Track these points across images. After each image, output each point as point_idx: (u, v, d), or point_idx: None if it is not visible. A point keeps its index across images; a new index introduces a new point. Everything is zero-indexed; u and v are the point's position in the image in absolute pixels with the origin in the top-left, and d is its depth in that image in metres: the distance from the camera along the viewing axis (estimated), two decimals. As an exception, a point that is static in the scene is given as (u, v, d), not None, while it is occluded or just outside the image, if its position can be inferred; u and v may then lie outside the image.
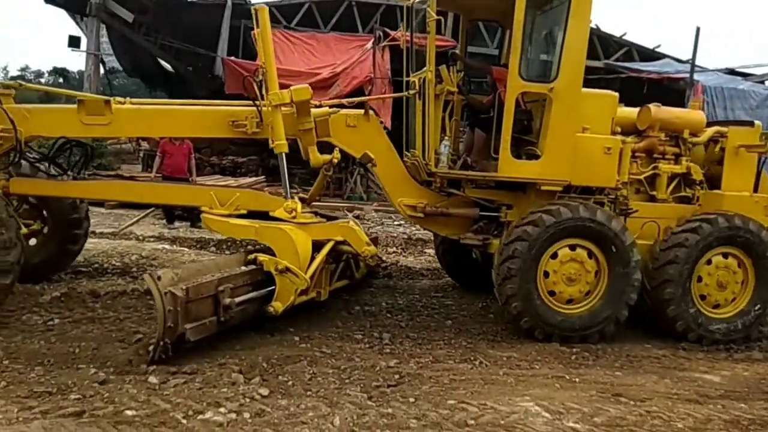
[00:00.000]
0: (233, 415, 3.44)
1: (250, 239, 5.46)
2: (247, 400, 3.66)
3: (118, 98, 5.90)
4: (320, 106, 5.86)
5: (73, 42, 17.01)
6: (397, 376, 4.25)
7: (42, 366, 4.00)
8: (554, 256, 5.34)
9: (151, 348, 4.17)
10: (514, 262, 5.23)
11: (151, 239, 9.03)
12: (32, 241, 6.31)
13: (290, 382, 4.00)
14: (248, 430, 3.31)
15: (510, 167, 5.52)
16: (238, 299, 4.58)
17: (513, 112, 5.42)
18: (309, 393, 3.86)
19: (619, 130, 5.93)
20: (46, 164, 6.00)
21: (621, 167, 5.80)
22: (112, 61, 19.18)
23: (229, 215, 5.46)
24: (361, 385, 4.06)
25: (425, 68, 5.66)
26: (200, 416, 3.40)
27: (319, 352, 4.61)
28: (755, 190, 6.15)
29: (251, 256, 4.97)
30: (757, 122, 6.22)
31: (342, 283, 6.10)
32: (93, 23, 15.96)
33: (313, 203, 6.74)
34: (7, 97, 5.59)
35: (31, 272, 5.89)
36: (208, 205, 5.59)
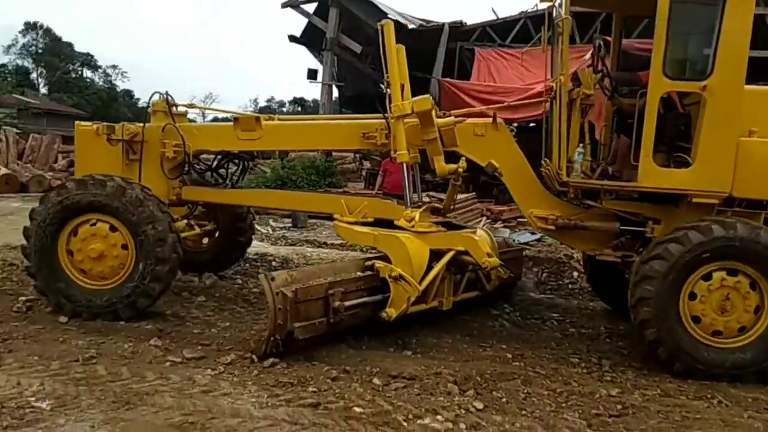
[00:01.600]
0: (449, 424, 3.56)
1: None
2: (463, 411, 3.76)
3: (269, 115, 6.46)
4: (447, 115, 5.69)
5: (311, 75, 19.21)
6: (619, 407, 3.99)
7: (280, 358, 4.52)
8: (706, 277, 4.61)
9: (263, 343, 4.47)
10: (651, 284, 4.59)
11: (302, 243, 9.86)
12: (204, 240, 7.26)
13: (504, 399, 4.00)
14: (464, 440, 3.40)
15: (652, 176, 4.87)
16: (347, 303, 4.69)
17: (655, 115, 4.78)
18: (524, 412, 3.82)
19: None
20: (212, 174, 6.75)
21: None
22: (343, 90, 21.11)
23: (355, 222, 5.57)
24: (580, 411, 3.89)
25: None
26: (419, 421, 3.59)
27: (533, 372, 4.54)
28: None
29: (369, 263, 5.06)
30: None
31: (471, 295, 5.89)
32: (328, 56, 17.82)
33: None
34: (181, 117, 6.43)
35: (200, 266, 6.98)
36: (339, 213, 5.76)
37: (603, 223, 5.43)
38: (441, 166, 5.60)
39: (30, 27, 56.31)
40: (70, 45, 57.27)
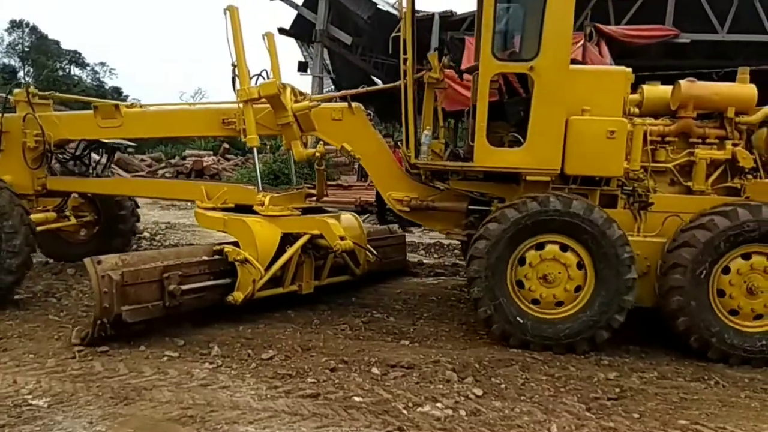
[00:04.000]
0: (449, 411, 3.57)
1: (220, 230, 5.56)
2: (462, 398, 3.76)
3: (132, 102, 6.56)
4: (303, 99, 5.77)
5: (302, 67, 19.13)
6: (618, 390, 4.02)
7: (278, 350, 4.53)
8: (540, 247, 4.73)
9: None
10: (482, 244, 4.70)
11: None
12: (82, 232, 7.33)
13: (503, 385, 4.01)
14: (465, 427, 3.40)
15: (487, 156, 5.00)
16: (186, 286, 4.74)
17: (487, 96, 4.90)
18: (523, 398, 3.83)
19: (637, 111, 5.18)
20: (77, 162, 6.86)
21: (632, 153, 4.99)
22: (338, 82, 21.00)
23: (214, 208, 5.66)
24: (578, 395, 3.91)
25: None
26: (419, 409, 3.59)
27: (531, 358, 4.55)
28: None
29: (218, 247, 5.17)
30: None
31: (340, 279, 6.12)
32: (318, 48, 17.71)
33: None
34: (45, 107, 6.52)
35: (82, 257, 6.76)
36: (199, 199, 5.84)
37: (452, 203, 5.57)
38: (298, 151, 5.74)
39: (15, 25, 55.60)
40: (56, 43, 56.72)
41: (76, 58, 57.39)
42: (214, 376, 4.02)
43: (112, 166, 8.03)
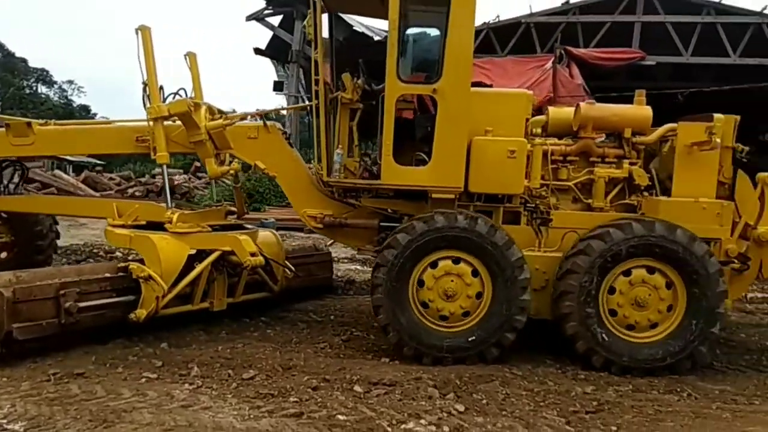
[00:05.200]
0: (433, 428, 3.60)
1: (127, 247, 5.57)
2: (445, 414, 3.80)
3: (45, 120, 6.58)
4: (217, 118, 5.87)
5: (277, 86, 19.19)
6: (595, 403, 4.10)
7: (259, 370, 4.51)
8: (433, 265, 4.85)
9: None
10: (382, 271, 4.82)
11: (345, 260, 9.75)
12: (2, 254, 7.09)
13: (484, 401, 4.07)
14: (448, 443, 3.44)
15: (393, 174, 5.16)
16: (85, 303, 4.71)
17: (393, 117, 5.07)
18: (504, 413, 3.89)
19: (538, 131, 5.46)
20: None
21: (532, 172, 5.26)
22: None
23: (123, 225, 5.67)
24: (558, 409, 3.98)
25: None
26: (403, 425, 3.61)
27: (510, 374, 4.62)
28: (731, 195, 5.15)
29: (123, 264, 5.16)
30: (716, 115, 4.97)
31: (257, 296, 6.10)
32: (293, 68, 17.82)
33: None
34: None
35: None
36: (111, 216, 5.84)
37: (363, 220, 5.72)
38: (212, 168, 5.81)
39: (-19, 42, 54.64)
40: (24, 60, 55.83)
41: (44, 76, 56.58)
42: (195, 397, 3.98)
43: (24, 184, 7.84)
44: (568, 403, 4.09)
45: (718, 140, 5.04)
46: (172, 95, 5.65)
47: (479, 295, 4.86)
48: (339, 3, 6.02)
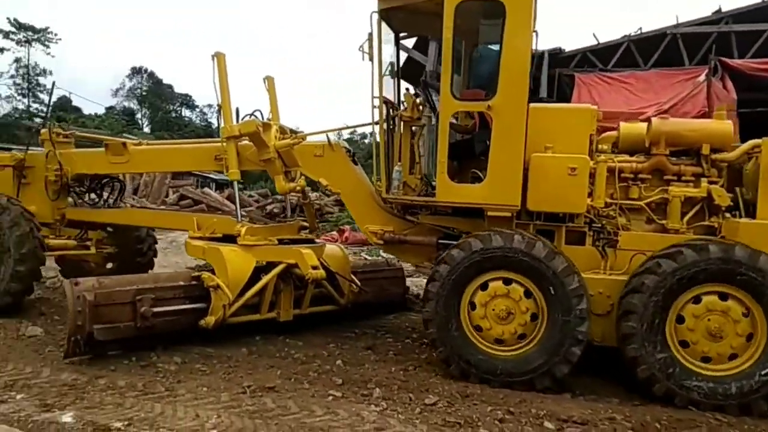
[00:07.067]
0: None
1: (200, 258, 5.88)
2: (651, 461, 3.54)
3: (138, 140, 7.21)
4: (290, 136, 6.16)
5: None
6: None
7: (438, 396, 4.47)
8: (484, 287, 4.75)
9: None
10: (434, 286, 4.78)
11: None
12: (109, 265, 7.79)
13: (690, 448, 3.75)
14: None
15: (448, 192, 5.14)
16: (158, 309, 4.98)
17: (447, 134, 5.09)
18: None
19: (605, 147, 5.27)
20: (88, 195, 7.40)
21: (596, 190, 4.97)
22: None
23: (201, 237, 5.95)
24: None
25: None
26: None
27: (715, 420, 4.23)
28: None
29: (196, 273, 5.43)
30: None
31: (323, 309, 6.21)
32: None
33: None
34: (67, 145, 7.12)
35: None
36: (191, 229, 6.14)
37: (424, 237, 5.67)
38: (280, 185, 6.17)
39: (135, 71, 61.01)
40: (170, 87, 61.51)
41: (187, 101, 61.91)
42: (384, 420, 4.01)
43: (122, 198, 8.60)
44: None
45: None
46: (247, 115, 6.08)
47: (534, 317, 4.73)
48: (402, 23, 6.09)
